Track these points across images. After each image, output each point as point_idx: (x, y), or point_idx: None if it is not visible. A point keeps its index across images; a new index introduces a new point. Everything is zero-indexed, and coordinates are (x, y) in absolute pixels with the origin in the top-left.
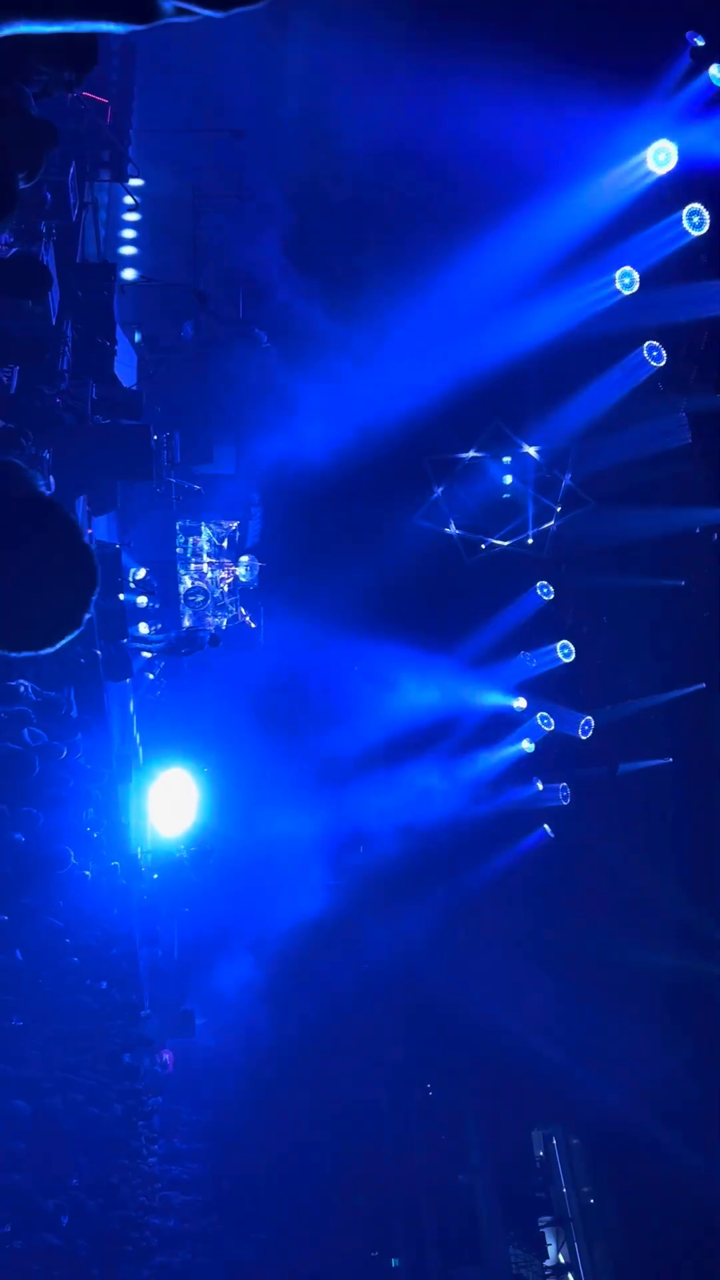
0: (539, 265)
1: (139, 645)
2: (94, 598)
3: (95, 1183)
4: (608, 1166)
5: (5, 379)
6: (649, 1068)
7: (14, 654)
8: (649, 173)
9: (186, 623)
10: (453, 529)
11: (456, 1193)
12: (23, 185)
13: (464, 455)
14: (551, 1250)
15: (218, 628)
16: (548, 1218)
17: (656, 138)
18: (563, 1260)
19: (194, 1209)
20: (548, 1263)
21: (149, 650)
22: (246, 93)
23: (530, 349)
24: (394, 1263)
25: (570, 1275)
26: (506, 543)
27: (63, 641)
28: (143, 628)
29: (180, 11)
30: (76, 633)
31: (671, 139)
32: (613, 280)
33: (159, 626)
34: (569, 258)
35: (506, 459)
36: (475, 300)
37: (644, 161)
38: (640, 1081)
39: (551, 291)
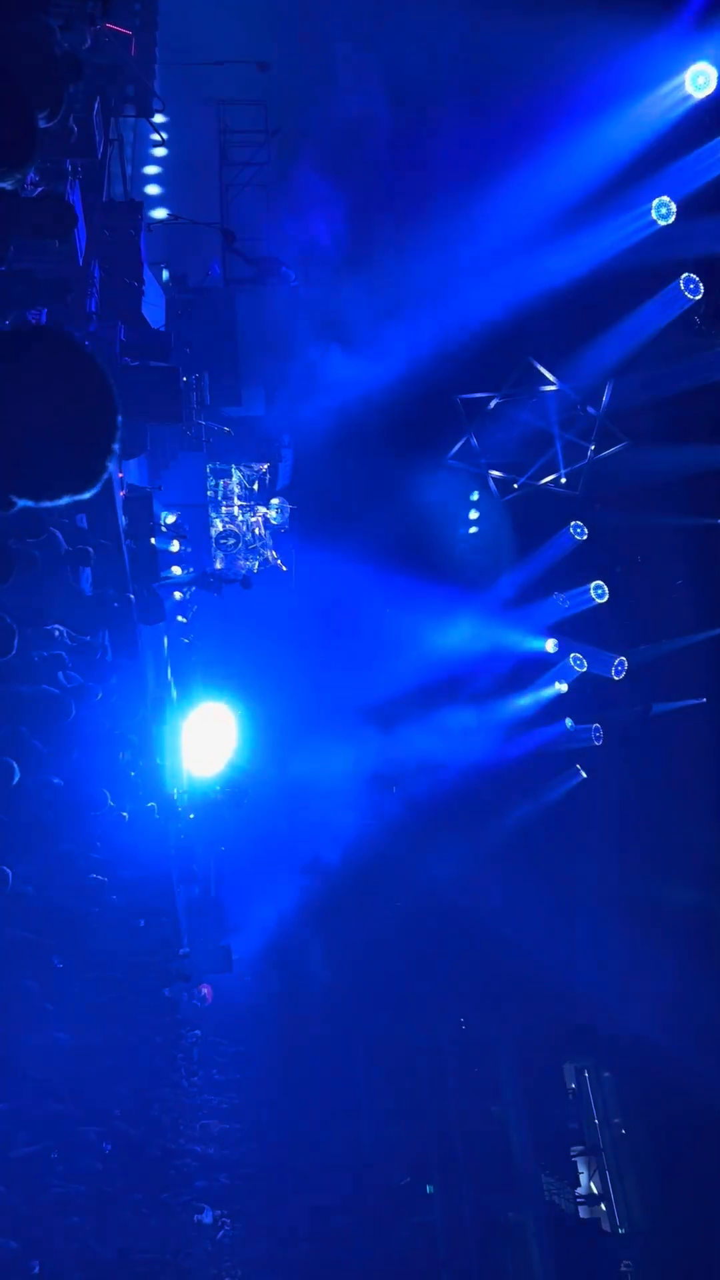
0: (572, 196)
1: (169, 584)
2: (116, 445)
3: (137, 1112)
4: (639, 1098)
5: (33, 321)
6: (681, 1002)
7: (36, 503)
8: (687, 97)
9: (218, 566)
10: (485, 469)
11: (489, 1123)
12: (45, 124)
13: (496, 394)
14: (583, 1179)
15: (249, 570)
16: (579, 1147)
17: (695, 60)
18: (594, 1189)
19: (232, 1137)
20: (579, 1191)
21: (180, 591)
22: (271, 23)
23: (564, 283)
24: (428, 1189)
25: (602, 1203)
26: (540, 482)
27: (87, 493)
28: (175, 571)
29: None
30: (97, 488)
31: (711, 62)
32: (649, 211)
33: (190, 570)
34: (603, 188)
35: (539, 397)
36: (507, 234)
37: (682, 85)
38: (672, 1015)
39: (585, 223)
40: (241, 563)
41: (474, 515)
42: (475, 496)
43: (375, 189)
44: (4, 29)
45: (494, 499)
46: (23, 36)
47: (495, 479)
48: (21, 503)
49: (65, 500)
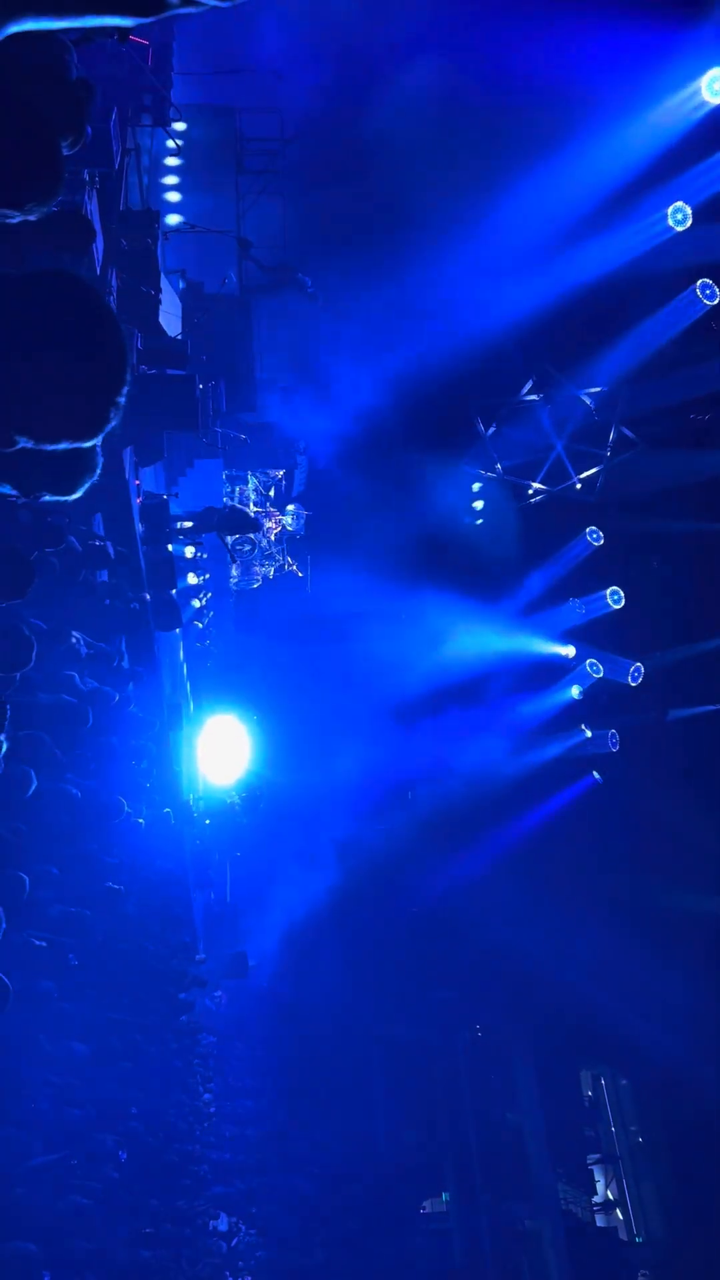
0: (587, 201)
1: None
2: (123, 396)
3: (153, 1118)
4: (656, 1106)
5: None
6: (696, 1010)
7: (51, 445)
8: (704, 103)
9: (234, 573)
10: (501, 474)
11: (505, 1131)
12: (68, 151)
13: (512, 399)
14: (600, 1187)
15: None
16: (596, 1155)
17: (712, 65)
18: (611, 1196)
19: (248, 1142)
20: (596, 1199)
21: (197, 581)
22: (287, 31)
23: (578, 288)
24: (444, 1197)
25: (619, 1211)
26: (556, 487)
27: (100, 435)
28: (191, 578)
29: (187, 2)
30: (113, 425)
31: None
32: (665, 216)
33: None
34: (618, 193)
35: (555, 402)
36: (521, 239)
37: (699, 91)
38: (688, 1023)
39: (600, 229)
40: (257, 569)
41: (487, 521)
42: (481, 505)
43: (389, 196)
44: (22, 59)
45: (509, 505)
46: (41, 68)
47: (511, 485)
48: (23, 442)
49: (64, 445)
